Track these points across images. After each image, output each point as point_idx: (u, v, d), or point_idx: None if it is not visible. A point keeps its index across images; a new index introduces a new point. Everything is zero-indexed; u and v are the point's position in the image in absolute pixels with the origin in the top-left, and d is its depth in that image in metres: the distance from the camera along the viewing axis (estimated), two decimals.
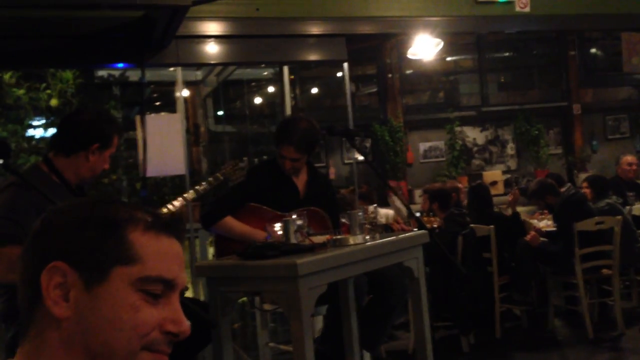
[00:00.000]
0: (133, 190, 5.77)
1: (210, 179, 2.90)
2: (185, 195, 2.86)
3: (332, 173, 7.22)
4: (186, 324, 0.90)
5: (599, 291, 5.11)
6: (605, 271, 4.79)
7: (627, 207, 5.57)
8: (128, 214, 0.90)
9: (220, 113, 7.23)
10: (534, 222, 5.47)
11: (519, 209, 5.52)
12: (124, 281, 0.86)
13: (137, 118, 4.49)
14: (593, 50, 8.52)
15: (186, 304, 2.26)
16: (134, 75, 6.32)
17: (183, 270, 0.93)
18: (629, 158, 6.34)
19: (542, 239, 4.89)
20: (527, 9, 6.24)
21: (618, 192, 5.68)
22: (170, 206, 2.81)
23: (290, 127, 3.11)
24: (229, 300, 2.40)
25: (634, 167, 6.32)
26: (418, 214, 3.65)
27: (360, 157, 6.02)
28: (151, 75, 6.22)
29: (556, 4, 6.49)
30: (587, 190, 5.34)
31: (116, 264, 0.86)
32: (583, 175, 6.87)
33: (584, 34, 8.01)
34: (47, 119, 5.70)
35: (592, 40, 8.38)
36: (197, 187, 2.87)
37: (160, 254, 0.89)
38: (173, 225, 0.93)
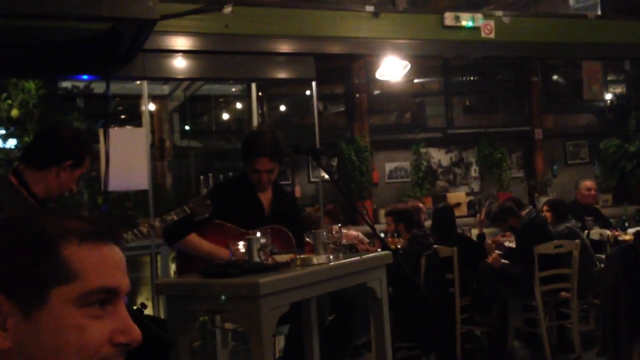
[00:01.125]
0: (94, 204, 5.65)
1: (177, 210, 2.88)
2: (152, 222, 2.81)
3: (297, 191, 7.21)
4: (136, 331, 0.87)
5: (557, 314, 5.19)
6: (563, 294, 4.87)
7: (586, 232, 5.70)
8: (60, 227, 0.84)
9: (186, 128, 7.17)
10: (502, 240, 5.55)
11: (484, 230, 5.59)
12: (65, 301, 0.81)
13: (101, 131, 4.41)
14: (555, 77, 8.75)
15: (144, 322, 2.22)
16: (98, 87, 6.23)
17: (126, 276, 0.90)
18: (588, 183, 6.50)
19: (503, 261, 4.95)
20: (492, 35, 6.39)
21: (577, 217, 5.80)
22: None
23: (259, 140, 3.12)
24: (189, 319, 2.36)
25: (593, 192, 6.48)
26: (382, 235, 3.67)
27: (326, 176, 6.03)
28: (117, 88, 6.14)
29: (520, 32, 6.67)
30: (547, 214, 5.44)
31: (54, 285, 0.81)
32: (544, 199, 7.01)
33: (546, 61, 8.23)
34: (6, 129, 5.56)
35: (554, 68, 8.61)
36: (163, 216, 2.84)
37: (100, 264, 0.85)
38: (110, 232, 0.89)
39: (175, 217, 2.84)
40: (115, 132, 4.50)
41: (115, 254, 0.89)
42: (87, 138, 2.63)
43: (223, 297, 2.62)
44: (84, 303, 0.82)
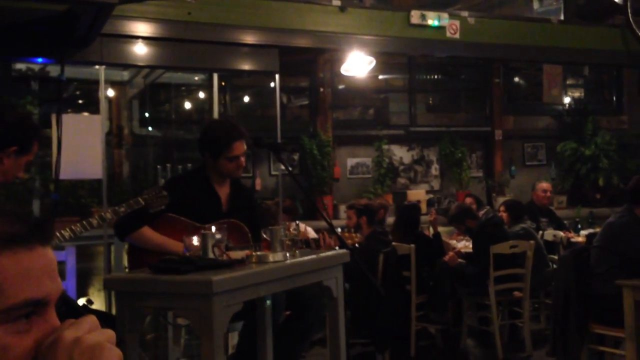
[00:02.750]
0: (46, 191, 5.47)
1: (131, 201, 2.77)
2: (103, 214, 2.71)
3: (258, 184, 7.14)
4: None
5: (510, 313, 5.28)
6: (516, 294, 4.95)
7: (540, 232, 5.80)
8: None
9: (146, 116, 7.00)
10: (453, 242, 5.61)
11: (439, 229, 5.64)
12: None
13: (54, 116, 4.26)
14: (516, 80, 8.88)
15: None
16: (55, 70, 6.03)
17: (57, 279, 0.80)
18: (544, 185, 6.62)
19: (460, 260, 5.00)
20: (457, 35, 6.43)
21: (532, 217, 5.91)
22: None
23: (227, 126, 3.10)
24: (138, 316, 2.29)
25: (549, 194, 6.60)
26: (340, 230, 3.65)
27: (288, 168, 5.97)
28: (74, 72, 5.95)
29: (484, 33, 6.74)
30: (503, 214, 5.52)
31: None
32: (501, 199, 7.12)
33: (509, 63, 8.34)
34: None
35: (516, 70, 8.74)
36: (116, 208, 2.74)
37: (22, 274, 0.75)
38: (36, 232, 0.78)
39: (127, 209, 2.75)
40: (68, 118, 4.34)
41: (42, 258, 0.78)
42: (33, 123, 2.50)
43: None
44: (5, 320, 0.74)
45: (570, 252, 4.01)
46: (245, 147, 3.09)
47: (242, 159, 3.10)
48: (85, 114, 5.83)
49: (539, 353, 4.73)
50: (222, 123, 3.24)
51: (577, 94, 9.07)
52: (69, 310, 2.14)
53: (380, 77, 8.01)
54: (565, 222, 6.66)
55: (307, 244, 3.11)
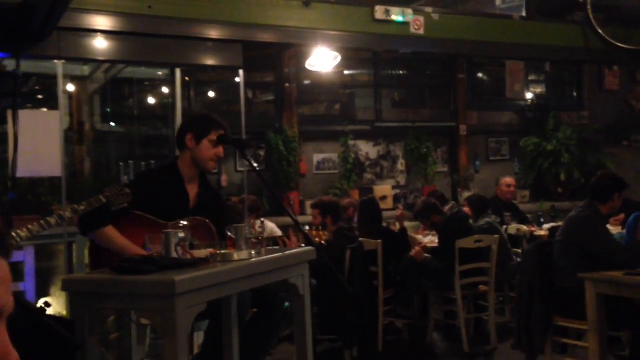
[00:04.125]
0: (4, 189, 5.30)
1: (92, 199, 2.70)
2: (62, 213, 2.62)
3: (224, 180, 7.06)
4: (14, 355, 0.77)
5: (475, 306, 5.33)
6: (482, 287, 5.00)
7: (504, 227, 5.88)
8: None
9: (107, 112, 6.84)
10: (419, 237, 5.64)
11: (406, 224, 5.67)
12: None
13: (9, 112, 4.11)
14: (480, 75, 8.97)
15: (46, 322, 2.06)
16: (12, 65, 5.83)
17: (9, 292, 0.77)
18: (508, 180, 6.71)
19: (426, 255, 5.03)
20: (421, 31, 6.46)
21: (496, 212, 5.98)
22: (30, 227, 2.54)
23: (208, 115, 3.20)
24: (98, 318, 2.22)
25: (512, 189, 6.70)
26: (307, 228, 3.62)
27: (253, 166, 5.92)
28: (33, 67, 5.77)
29: (448, 29, 6.78)
30: (467, 209, 5.57)
31: None
32: (467, 194, 7.19)
33: (472, 59, 8.42)
34: None
35: (479, 66, 8.82)
36: (75, 206, 2.66)
37: None
38: None
39: (88, 208, 2.67)
40: (25, 114, 4.20)
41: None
42: None
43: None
44: None
45: (534, 246, 4.06)
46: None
47: (221, 150, 3.10)
48: (44, 109, 5.65)
49: (504, 346, 4.80)
50: (200, 116, 3.30)
51: (538, 90, 9.21)
52: (26, 315, 2.06)
53: (346, 72, 7.99)
54: (529, 216, 6.77)
55: (275, 242, 3.08)
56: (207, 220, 3.04)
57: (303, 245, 3.03)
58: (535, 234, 5.80)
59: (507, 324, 5.32)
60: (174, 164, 3.15)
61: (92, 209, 2.70)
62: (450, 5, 8.42)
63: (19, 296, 2.13)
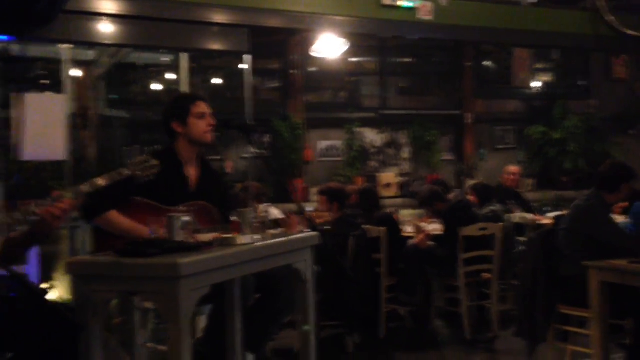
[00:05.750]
0: (9, 173, 5.31)
1: (113, 173, 2.54)
2: (81, 187, 2.47)
3: (229, 167, 7.06)
4: None
5: (478, 294, 5.33)
6: (485, 275, 5.00)
7: (508, 215, 5.86)
8: None
9: (113, 97, 6.84)
10: (423, 225, 5.62)
11: (408, 211, 5.65)
12: None
13: (14, 96, 4.10)
14: (486, 63, 8.92)
15: (51, 304, 2.07)
16: (19, 50, 5.83)
17: None
18: (511, 168, 6.69)
19: (429, 242, 5.02)
20: (429, 17, 6.41)
21: (501, 200, 5.96)
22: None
23: (178, 95, 3.32)
24: (102, 301, 2.24)
25: (516, 177, 6.67)
26: (310, 210, 3.63)
27: (257, 152, 5.93)
28: (38, 51, 5.76)
29: (456, 15, 6.73)
30: (471, 197, 5.56)
31: None
32: (471, 182, 7.18)
33: (479, 46, 8.36)
34: None
35: (486, 53, 8.77)
36: (95, 180, 2.49)
37: None
38: None
39: (109, 182, 2.52)
40: (31, 98, 4.20)
41: None
42: None
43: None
44: None
45: (538, 234, 4.05)
46: (209, 108, 3.09)
47: (210, 115, 3.08)
48: (49, 93, 5.64)
49: (505, 334, 4.80)
50: (177, 96, 3.31)
51: (546, 78, 9.16)
52: (29, 296, 2.07)
53: (352, 59, 7.96)
54: (534, 204, 6.75)
55: (276, 224, 3.07)
56: (209, 204, 3.04)
57: (305, 229, 3.02)
58: (540, 222, 5.78)
59: (509, 312, 5.32)
60: (171, 148, 3.11)
61: (95, 193, 2.59)
62: None
63: (22, 277, 2.14)
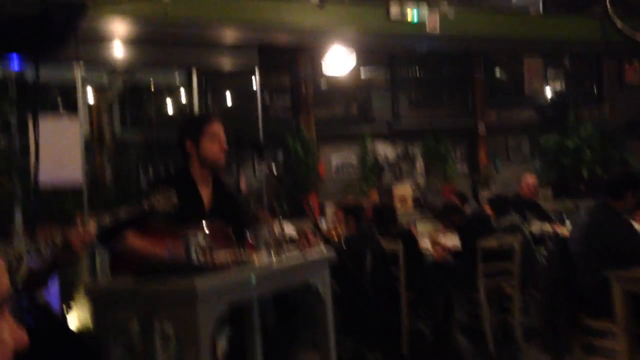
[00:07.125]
0: (27, 199, 5.33)
1: (132, 207, 2.51)
2: (104, 216, 2.43)
3: (243, 184, 7.06)
4: (25, 337, 0.82)
5: (500, 307, 5.26)
6: (506, 288, 4.93)
7: (527, 226, 5.79)
8: None
9: (126, 119, 6.88)
10: (439, 237, 5.57)
11: (424, 224, 5.59)
12: None
13: (29, 120, 4.14)
14: (497, 73, 8.88)
15: (71, 332, 2.06)
16: (33, 75, 5.88)
17: (3, 275, 0.82)
18: (529, 178, 6.63)
19: (447, 256, 4.97)
20: (437, 30, 6.41)
21: (519, 211, 5.90)
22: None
23: (192, 115, 3.20)
24: (122, 324, 2.22)
25: (534, 188, 6.61)
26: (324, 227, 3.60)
27: (273, 170, 5.92)
28: (52, 75, 5.82)
29: (464, 27, 6.72)
30: (488, 211, 5.51)
31: None
32: (486, 193, 7.12)
33: (489, 56, 8.33)
34: None
35: (496, 63, 8.74)
36: (115, 210, 2.47)
37: None
38: None
39: (125, 215, 2.50)
40: (45, 121, 4.23)
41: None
42: None
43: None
44: None
45: (557, 245, 3.99)
46: (222, 129, 3.09)
47: (224, 138, 3.07)
48: (64, 117, 5.69)
49: (529, 347, 4.72)
50: (191, 116, 3.28)
51: (558, 86, 9.10)
52: (51, 326, 2.06)
53: (362, 73, 7.97)
54: (552, 214, 6.67)
55: (292, 241, 3.05)
56: (224, 223, 3.03)
57: (322, 245, 3.00)
58: (559, 232, 5.70)
59: (532, 325, 5.24)
60: (185, 169, 3.14)
61: (116, 222, 2.54)
62: (466, 2, 8.36)
63: (45, 306, 2.14)
